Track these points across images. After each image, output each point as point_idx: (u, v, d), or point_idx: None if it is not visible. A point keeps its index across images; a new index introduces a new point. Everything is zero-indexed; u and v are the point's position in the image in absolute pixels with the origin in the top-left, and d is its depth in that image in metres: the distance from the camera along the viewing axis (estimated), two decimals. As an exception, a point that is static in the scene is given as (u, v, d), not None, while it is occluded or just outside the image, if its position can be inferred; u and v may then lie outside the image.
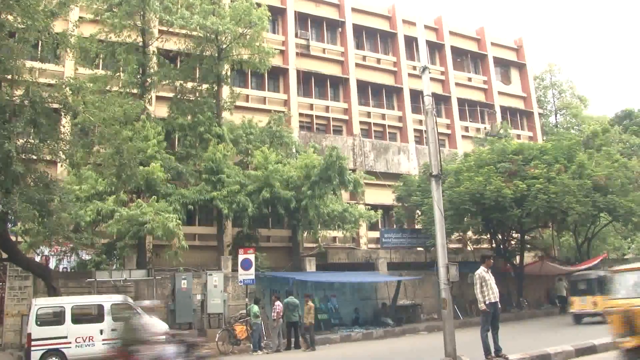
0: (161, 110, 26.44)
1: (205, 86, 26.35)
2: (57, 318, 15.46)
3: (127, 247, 21.70)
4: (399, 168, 34.57)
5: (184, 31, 25.69)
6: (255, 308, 18.40)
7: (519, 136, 39.49)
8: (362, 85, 35.72)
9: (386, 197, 31.89)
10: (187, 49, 26.05)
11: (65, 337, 15.19)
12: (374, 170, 32.27)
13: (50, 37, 16.14)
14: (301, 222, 25.32)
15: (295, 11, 33.97)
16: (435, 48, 39.72)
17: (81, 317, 15.90)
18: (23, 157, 15.29)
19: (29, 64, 16.36)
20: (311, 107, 33.51)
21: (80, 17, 22.24)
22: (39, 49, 17.62)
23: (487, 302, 11.73)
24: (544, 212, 24.42)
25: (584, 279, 22.47)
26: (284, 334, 19.36)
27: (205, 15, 24.09)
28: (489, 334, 11.70)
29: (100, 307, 16.05)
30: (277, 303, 18.92)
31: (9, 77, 15.48)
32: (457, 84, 39.82)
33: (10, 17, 15.15)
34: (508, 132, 36.74)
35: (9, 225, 17.63)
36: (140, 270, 21.05)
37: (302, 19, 34.53)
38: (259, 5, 26.24)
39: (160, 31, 26.14)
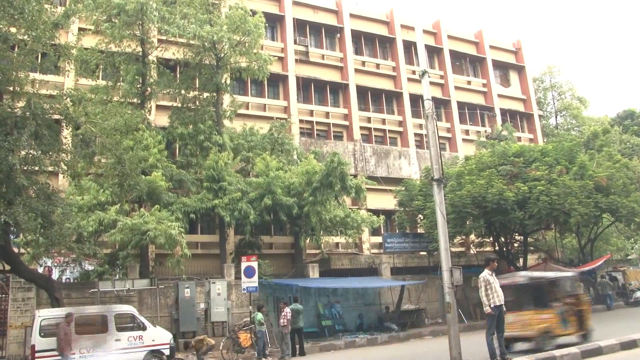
0: (161, 119, 26.52)
1: (205, 95, 26.42)
2: (60, 329, 15.40)
3: (129, 256, 21.69)
4: (400, 172, 34.58)
5: (182, 40, 25.81)
6: (259, 315, 18.35)
7: (519, 138, 39.51)
8: (362, 91, 35.79)
9: (388, 201, 31.88)
10: (186, 58, 26.15)
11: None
12: (375, 175, 32.29)
13: (52, 49, 16.22)
14: (303, 228, 25.29)
15: (293, 18, 34.10)
16: (434, 52, 39.83)
17: (85, 327, 15.84)
18: (25, 168, 15.30)
19: (30, 75, 16.41)
20: (311, 113, 33.57)
21: (80, 29, 22.35)
22: (39, 60, 17.68)
23: (492, 305, 11.71)
24: (546, 214, 24.36)
25: None
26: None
27: (201, 25, 24.18)
28: (494, 337, 11.68)
29: (104, 318, 16.00)
30: (287, 310, 18.85)
31: (11, 88, 15.54)
32: (456, 88, 39.90)
33: (13, 30, 15.20)
34: (511, 134, 36.76)
35: (11, 237, 17.62)
36: (143, 280, 21.04)
37: (301, 25, 34.65)
38: (254, 13, 26.32)
39: (159, 41, 26.26)
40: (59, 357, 14.33)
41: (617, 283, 32.54)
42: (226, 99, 27.64)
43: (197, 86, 26.91)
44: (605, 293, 28.12)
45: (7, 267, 17.50)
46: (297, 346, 18.92)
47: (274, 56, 29.21)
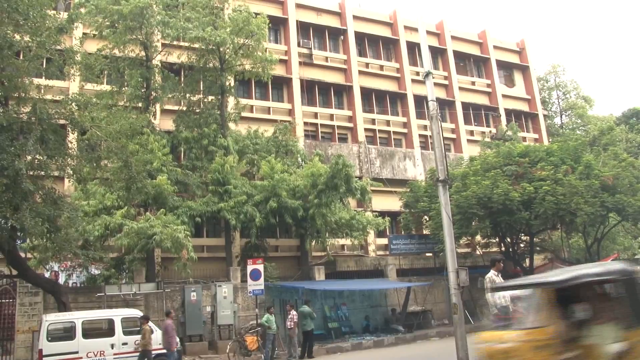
0: (166, 124, 26.59)
1: (210, 98, 26.48)
2: (67, 333, 15.46)
3: (135, 260, 21.77)
4: (405, 174, 34.54)
5: (185, 44, 25.86)
6: (265, 317, 18.35)
7: (524, 138, 39.40)
8: (366, 92, 35.78)
9: (393, 203, 31.84)
10: (190, 61, 26.20)
11: (77, 352, 15.18)
12: (380, 177, 32.25)
13: (56, 54, 16.30)
14: (309, 231, 25.31)
15: (297, 20, 34.13)
16: (437, 53, 39.79)
17: (92, 331, 15.91)
18: (31, 173, 15.38)
19: (35, 81, 16.50)
20: (315, 115, 33.59)
21: (83, 34, 22.43)
22: (44, 65, 17.76)
23: (498, 306, 11.66)
24: (553, 214, 24.28)
25: None
26: (299, 342, 19.38)
27: (204, 27, 24.22)
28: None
29: (110, 322, 16.05)
30: (293, 312, 18.86)
31: (16, 94, 15.61)
32: (460, 88, 39.84)
33: (17, 36, 15.30)
34: (516, 134, 36.68)
35: (18, 242, 17.70)
36: (149, 284, 21.09)
37: (304, 28, 34.69)
38: (256, 14, 26.35)
39: (163, 45, 26.32)
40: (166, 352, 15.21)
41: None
42: (230, 102, 27.69)
43: (201, 89, 26.98)
44: None
45: (14, 272, 17.58)
46: (307, 348, 18.96)
47: (278, 58, 29.22)
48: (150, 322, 15.68)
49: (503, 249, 29.12)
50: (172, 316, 15.91)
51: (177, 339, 16.14)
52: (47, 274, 20.35)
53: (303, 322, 18.97)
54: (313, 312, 19.71)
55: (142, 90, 24.35)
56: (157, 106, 25.81)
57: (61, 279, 21.24)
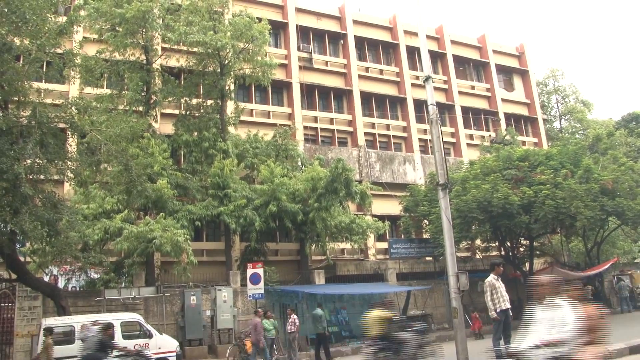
0: (166, 127, 26.60)
1: (209, 102, 26.48)
2: (67, 337, 15.41)
3: (135, 264, 21.73)
4: (405, 178, 34.54)
5: (185, 48, 25.88)
6: (265, 322, 18.31)
7: (524, 142, 39.43)
8: (366, 97, 35.81)
9: (393, 207, 31.81)
10: (190, 65, 26.21)
11: (76, 357, 15.10)
12: (380, 181, 32.25)
13: (55, 57, 16.31)
14: (309, 234, 25.28)
15: (297, 25, 34.18)
16: (437, 57, 39.83)
17: (91, 335, 15.84)
18: (31, 177, 15.37)
19: (35, 84, 16.51)
20: (315, 119, 33.60)
21: (84, 37, 22.45)
22: (44, 68, 17.78)
23: (498, 310, 11.67)
24: (552, 218, 24.30)
25: None
26: (300, 347, 19.37)
27: (205, 32, 24.24)
28: (501, 341, 11.63)
29: (109, 326, 15.99)
30: (294, 316, 18.84)
31: (16, 98, 15.62)
32: (460, 93, 39.87)
33: (16, 40, 15.30)
34: (515, 139, 36.70)
35: (18, 246, 17.67)
36: (149, 288, 21.06)
37: (304, 32, 34.74)
38: (259, 19, 26.41)
39: (163, 48, 26.33)
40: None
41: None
42: (230, 105, 27.70)
43: (201, 93, 26.99)
44: (622, 296, 28.01)
45: (14, 276, 17.54)
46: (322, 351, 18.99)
47: (278, 63, 29.28)
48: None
49: (503, 252, 29.10)
50: (260, 314, 17.46)
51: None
52: (46, 278, 20.33)
53: (316, 325, 19.07)
54: (324, 315, 19.77)
55: (142, 94, 24.36)
56: (157, 110, 25.81)
57: (60, 283, 21.22)
